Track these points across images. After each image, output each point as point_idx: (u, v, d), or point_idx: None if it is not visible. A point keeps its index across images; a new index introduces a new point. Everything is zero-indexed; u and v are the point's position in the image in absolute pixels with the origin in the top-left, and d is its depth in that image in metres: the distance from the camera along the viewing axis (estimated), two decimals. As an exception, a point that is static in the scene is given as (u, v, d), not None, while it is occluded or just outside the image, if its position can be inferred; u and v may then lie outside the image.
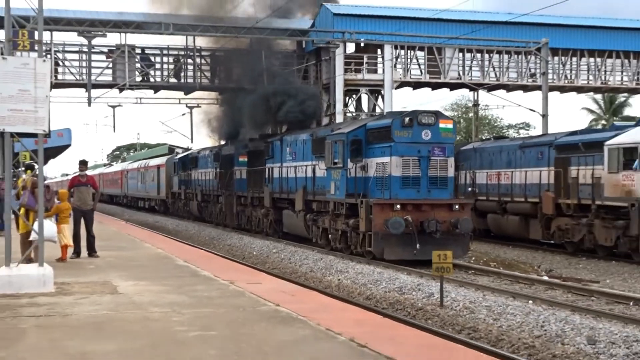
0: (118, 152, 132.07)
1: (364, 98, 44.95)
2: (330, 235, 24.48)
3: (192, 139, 62.10)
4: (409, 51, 43.47)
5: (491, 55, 44.19)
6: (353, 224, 22.23)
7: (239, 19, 38.94)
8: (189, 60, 43.10)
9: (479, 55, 44.05)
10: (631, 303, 15.92)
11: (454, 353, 8.95)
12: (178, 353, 8.26)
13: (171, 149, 66.85)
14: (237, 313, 10.90)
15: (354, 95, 44.44)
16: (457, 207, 21.62)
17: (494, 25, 41.37)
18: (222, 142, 43.09)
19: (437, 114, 22.05)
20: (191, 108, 53.59)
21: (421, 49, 43.10)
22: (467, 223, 21.43)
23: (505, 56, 44.21)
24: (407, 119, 21.22)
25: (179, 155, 48.23)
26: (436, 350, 8.83)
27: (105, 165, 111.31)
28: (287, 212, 28.88)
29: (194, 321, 10.15)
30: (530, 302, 15.55)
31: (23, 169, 18.12)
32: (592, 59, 45.50)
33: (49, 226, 14.73)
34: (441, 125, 21.51)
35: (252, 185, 33.18)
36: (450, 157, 21.96)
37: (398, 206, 20.49)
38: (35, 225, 13.82)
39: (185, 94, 46.08)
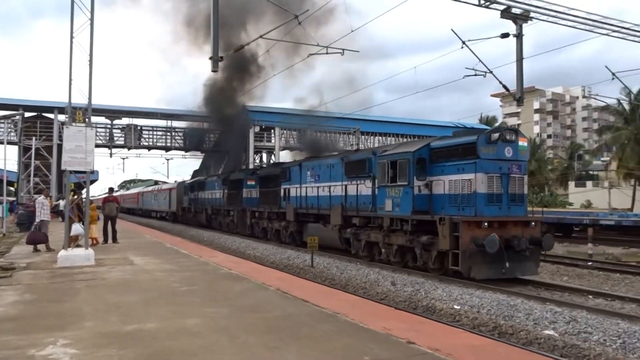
0: (124, 184, 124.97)
1: (264, 156, 44.58)
2: (383, 250, 14.78)
3: (168, 176, 60.15)
4: (288, 131, 43.35)
5: (330, 134, 44.62)
6: (426, 241, 12.83)
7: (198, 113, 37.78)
8: (168, 133, 41.43)
9: (324, 134, 44.34)
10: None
11: (334, 294, 8.49)
12: (177, 300, 7.44)
13: (156, 182, 64.03)
14: (207, 275, 10.07)
15: (259, 154, 43.93)
16: (533, 223, 12.64)
17: (332, 119, 41.79)
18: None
19: (517, 132, 13.00)
20: (168, 160, 52.30)
21: (294, 130, 43.00)
22: (550, 241, 12.74)
23: (338, 135, 44.67)
24: (495, 135, 12.38)
25: (189, 181, 40.41)
26: (325, 293, 8.35)
27: (117, 191, 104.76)
28: (313, 225, 18.92)
29: (183, 280, 9.26)
30: (358, 263, 15.21)
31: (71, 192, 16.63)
32: (382, 138, 46.61)
33: (78, 227, 13.36)
34: (520, 143, 12.71)
35: (266, 202, 23.74)
36: (525, 175, 12.96)
37: (485, 224, 11.78)
38: (73, 226, 12.87)
39: (166, 151, 44.05)
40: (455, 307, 9.68)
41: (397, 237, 14.16)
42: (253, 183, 26.26)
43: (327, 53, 14.14)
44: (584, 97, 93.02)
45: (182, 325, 5.86)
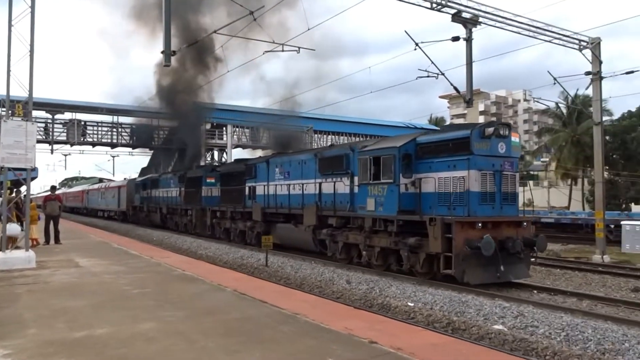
0: (66, 181, 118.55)
1: (216, 154, 43.69)
2: (364, 253, 13.54)
3: (113, 174, 57.90)
4: (240, 128, 42.68)
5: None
6: (414, 243, 11.83)
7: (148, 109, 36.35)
8: (114, 129, 39.75)
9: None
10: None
11: (292, 294, 8.38)
12: (129, 304, 7.09)
13: (100, 180, 61.29)
14: (160, 276, 9.69)
15: (210, 152, 43.02)
16: (525, 224, 11.85)
17: (286, 117, 41.45)
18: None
19: (510, 127, 11.99)
20: (113, 157, 50.38)
21: (240, 127, 42.39)
22: (544, 242, 12.10)
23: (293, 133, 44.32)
24: (489, 129, 11.31)
25: (140, 178, 37.12)
26: (283, 294, 8.21)
27: (58, 189, 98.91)
28: (283, 225, 17.47)
29: (134, 282, 8.87)
30: (313, 262, 15.13)
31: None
32: (334, 137, 46.70)
33: (15, 227, 12.52)
34: (513, 138, 11.78)
35: (228, 201, 21.62)
36: (517, 172, 12.11)
37: (479, 224, 10.91)
38: (9, 226, 11.86)
39: (111, 148, 42.33)
40: (409, 304, 9.81)
41: (380, 239, 12.96)
42: (213, 181, 24.39)
43: (282, 50, 14.02)
44: (525, 100, 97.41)
45: (135, 330, 5.59)
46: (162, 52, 11.70)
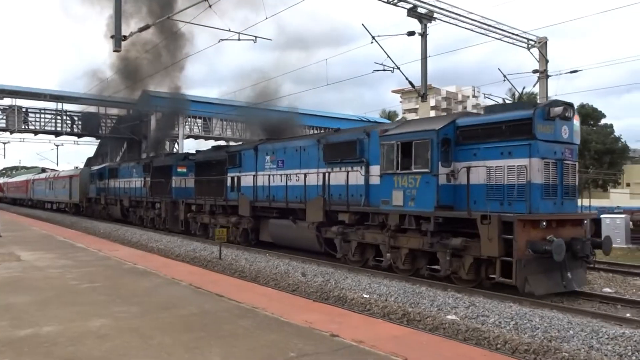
0: (5, 171, 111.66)
1: (167, 144, 42.33)
2: (388, 255, 11.35)
3: (57, 163, 55.15)
4: (192, 118, 41.58)
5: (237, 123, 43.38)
6: (460, 245, 9.81)
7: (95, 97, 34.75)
8: (58, 116, 37.85)
9: (239, 125, 42.56)
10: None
11: (249, 287, 8.29)
12: (78, 299, 6.77)
13: (43, 170, 58.19)
14: (109, 270, 9.30)
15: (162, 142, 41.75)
16: (585, 222, 10.19)
17: (240, 108, 40.49)
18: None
19: (574, 108, 9.94)
20: (57, 146, 47.90)
21: (199, 117, 41.35)
22: (610, 243, 10.27)
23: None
24: (556, 110, 9.35)
25: (96, 167, 34.06)
26: (240, 287, 8.10)
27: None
28: (277, 221, 15.18)
29: (82, 277, 8.47)
30: (267, 254, 14.97)
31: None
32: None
33: None
34: (575, 122, 9.85)
35: (207, 193, 19.12)
36: (577, 162, 10.20)
37: (544, 223, 9.08)
38: None
39: (55, 137, 40.32)
40: (365, 296, 9.90)
41: (409, 239, 11.00)
42: (185, 170, 21.91)
43: (239, 40, 13.73)
44: (474, 96, 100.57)
45: (86, 328, 5.33)
46: (111, 37, 11.17)
